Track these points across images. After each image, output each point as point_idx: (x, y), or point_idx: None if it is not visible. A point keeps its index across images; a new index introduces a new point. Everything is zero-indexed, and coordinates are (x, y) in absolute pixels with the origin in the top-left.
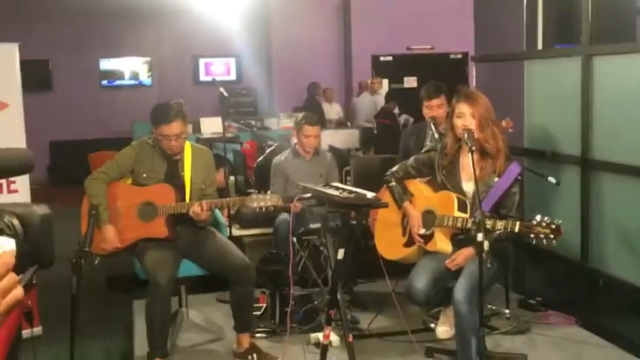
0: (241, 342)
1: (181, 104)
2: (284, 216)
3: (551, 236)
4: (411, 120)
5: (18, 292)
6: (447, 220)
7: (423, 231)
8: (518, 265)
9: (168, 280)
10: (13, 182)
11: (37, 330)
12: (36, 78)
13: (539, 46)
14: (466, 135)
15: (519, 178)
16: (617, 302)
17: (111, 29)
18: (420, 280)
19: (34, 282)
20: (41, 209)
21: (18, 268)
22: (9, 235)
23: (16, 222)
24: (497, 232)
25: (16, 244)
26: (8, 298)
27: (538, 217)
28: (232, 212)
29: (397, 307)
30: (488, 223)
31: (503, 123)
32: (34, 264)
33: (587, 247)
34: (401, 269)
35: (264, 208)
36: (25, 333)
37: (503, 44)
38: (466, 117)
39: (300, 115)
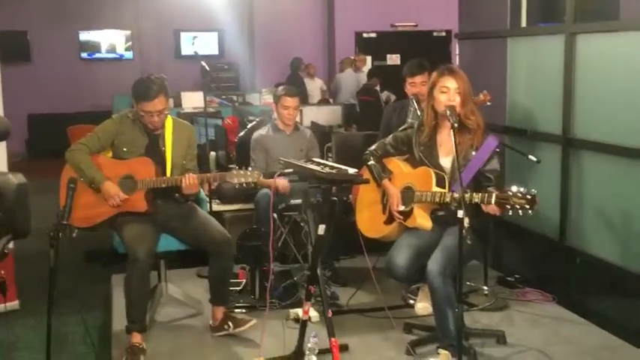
0: (216, 315)
1: (163, 79)
2: (265, 191)
3: (527, 206)
4: (393, 97)
5: None
6: (426, 196)
7: (402, 208)
8: (497, 243)
9: (147, 253)
10: None
11: (15, 304)
12: (14, 49)
13: (523, 24)
14: (448, 112)
15: (498, 150)
16: (595, 280)
17: (90, 1)
18: (401, 255)
19: (6, 251)
20: (17, 178)
21: None
22: None
23: None
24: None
25: None
26: None
27: (514, 188)
28: (213, 187)
29: (375, 283)
30: (466, 196)
31: (481, 96)
32: (8, 233)
33: (565, 226)
34: (381, 246)
35: (244, 184)
36: (2, 307)
37: (487, 22)
38: (450, 92)
39: (280, 87)
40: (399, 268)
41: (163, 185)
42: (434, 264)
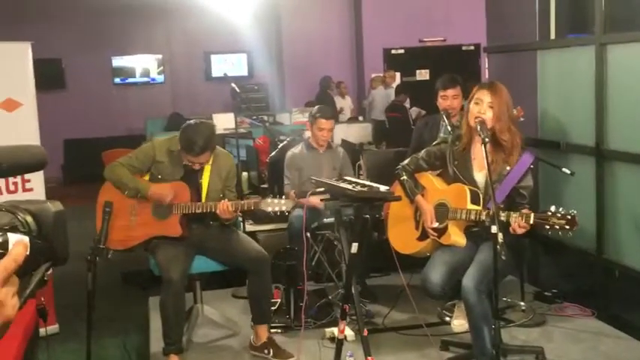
0: (259, 334)
1: (212, 127)
2: (298, 212)
3: (567, 227)
4: (423, 112)
5: (13, 302)
6: (460, 213)
7: (436, 224)
8: (533, 257)
9: (181, 274)
10: (28, 181)
11: (54, 328)
12: (49, 77)
13: (552, 36)
14: (479, 126)
15: (532, 167)
16: (634, 293)
17: (122, 27)
18: (436, 272)
19: (46, 279)
20: (55, 206)
21: (32, 264)
22: (22, 232)
23: (29, 219)
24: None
25: (30, 241)
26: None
27: (553, 208)
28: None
29: (412, 300)
30: (503, 216)
31: (514, 112)
32: (48, 261)
33: (602, 238)
34: (414, 263)
35: (278, 213)
36: (42, 331)
37: (515, 35)
38: (483, 104)
39: (315, 108)
40: (434, 285)
41: (198, 211)
42: (469, 280)
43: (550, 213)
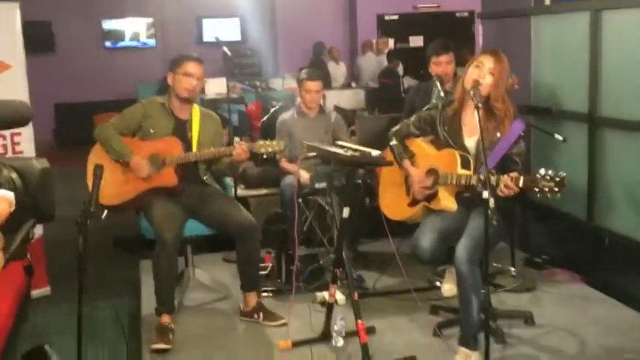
0: (248, 301)
1: None
2: (289, 181)
3: (556, 189)
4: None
5: None
6: (451, 178)
7: (428, 184)
8: (524, 223)
9: (175, 237)
10: (18, 144)
11: (46, 290)
12: (38, 40)
13: (547, 2)
14: (472, 91)
15: (523, 134)
16: (623, 260)
17: None
18: (426, 238)
19: (31, 236)
20: (40, 163)
21: (18, 221)
22: (8, 189)
23: (14, 175)
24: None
25: (15, 198)
26: None
27: (542, 171)
28: (238, 172)
29: (401, 266)
30: (493, 179)
31: (509, 80)
32: (34, 217)
33: (593, 205)
34: (404, 229)
35: (272, 154)
36: (34, 293)
37: (510, 1)
38: (484, 69)
39: (302, 72)
40: (424, 251)
41: (192, 159)
42: (462, 250)
43: (539, 176)
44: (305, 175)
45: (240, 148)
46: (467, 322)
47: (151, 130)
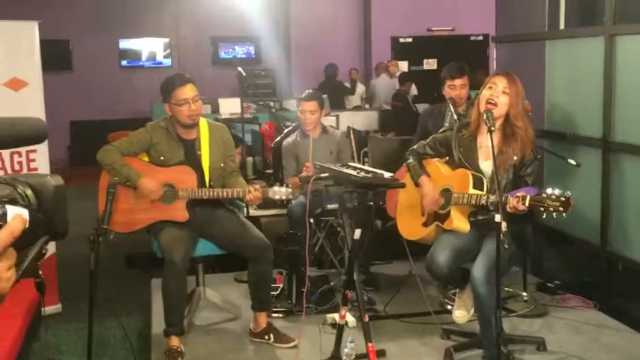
0: (259, 321)
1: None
2: (298, 200)
3: (561, 209)
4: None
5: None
6: (462, 198)
7: (442, 203)
8: (537, 248)
9: (183, 257)
10: (33, 160)
11: (57, 307)
12: (56, 58)
13: (562, 27)
14: (485, 114)
15: (538, 158)
16: (637, 286)
17: (131, 9)
18: (441, 253)
19: (44, 252)
20: (55, 180)
21: (31, 238)
22: (22, 206)
23: (29, 192)
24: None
25: (30, 215)
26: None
27: (548, 190)
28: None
29: (420, 285)
30: (493, 197)
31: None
32: (48, 234)
33: (606, 230)
34: (417, 251)
35: (285, 201)
36: (45, 310)
37: (524, 25)
38: (497, 88)
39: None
40: (440, 266)
41: (205, 197)
42: (478, 271)
43: (545, 195)
44: (294, 180)
45: (254, 194)
46: (489, 343)
47: (162, 158)
